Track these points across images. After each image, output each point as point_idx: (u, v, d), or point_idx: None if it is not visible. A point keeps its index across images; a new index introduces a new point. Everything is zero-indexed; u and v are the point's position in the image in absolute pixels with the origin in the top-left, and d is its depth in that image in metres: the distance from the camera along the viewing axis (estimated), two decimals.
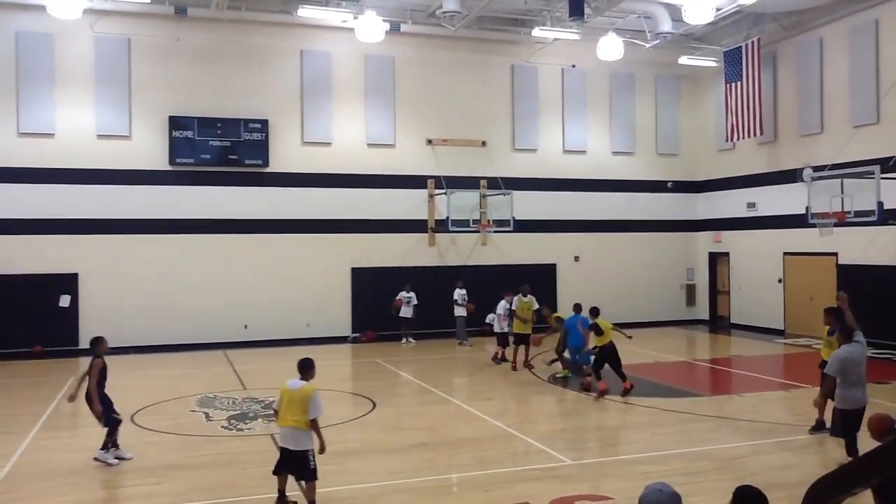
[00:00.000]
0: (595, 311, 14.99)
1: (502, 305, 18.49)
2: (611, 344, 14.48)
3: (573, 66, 25.01)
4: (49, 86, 20.45)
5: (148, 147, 21.21)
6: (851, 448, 9.49)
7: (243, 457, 10.55)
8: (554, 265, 24.93)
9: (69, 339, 20.32)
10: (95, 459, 10.11)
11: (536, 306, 17.91)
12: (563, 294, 24.32)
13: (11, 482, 9.49)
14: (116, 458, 10.23)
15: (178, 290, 21.26)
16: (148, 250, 21.11)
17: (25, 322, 19.79)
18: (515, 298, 17.96)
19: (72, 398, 10.42)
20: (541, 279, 24.03)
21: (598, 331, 14.55)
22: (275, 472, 8.38)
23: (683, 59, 24.50)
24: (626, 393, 14.01)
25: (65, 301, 20.38)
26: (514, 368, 17.36)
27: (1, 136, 20.12)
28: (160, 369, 18.37)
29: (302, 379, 8.37)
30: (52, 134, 20.51)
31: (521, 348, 17.58)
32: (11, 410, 13.78)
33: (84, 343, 20.39)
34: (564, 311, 24.28)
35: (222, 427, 12.28)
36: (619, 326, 15.56)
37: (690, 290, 26.71)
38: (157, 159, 21.24)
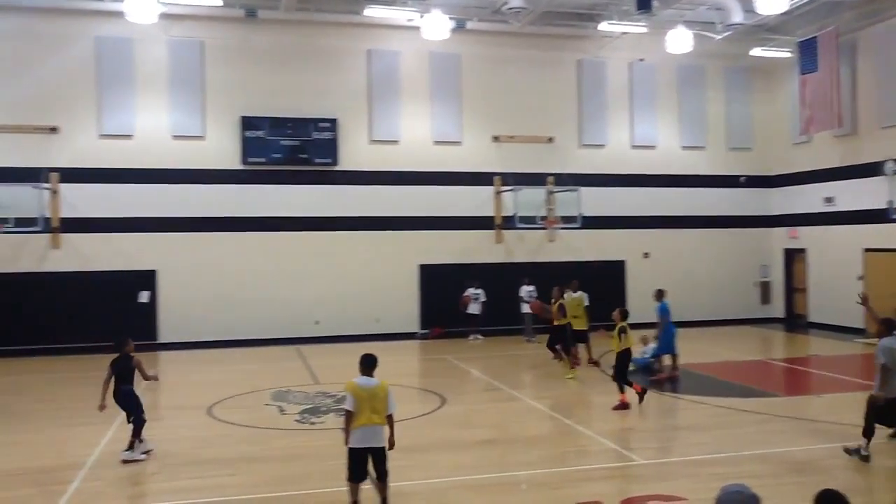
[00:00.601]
0: (626, 314, 13.88)
1: None
2: (629, 351, 13.59)
3: (641, 60, 24.64)
4: (128, 89, 21.20)
5: (221, 147, 21.79)
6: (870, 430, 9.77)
7: (316, 451, 10.74)
8: (623, 262, 24.63)
9: (149, 334, 21.03)
10: (124, 461, 10.14)
11: (587, 304, 17.62)
12: (633, 291, 24.01)
13: (97, 470, 9.90)
14: (143, 452, 10.39)
15: (251, 287, 21.79)
16: (222, 247, 21.70)
17: (107, 317, 20.53)
18: (565, 295, 17.74)
19: (101, 408, 10.42)
20: (609, 276, 23.85)
21: (623, 334, 13.38)
22: (357, 480, 8.00)
23: (756, 51, 23.87)
24: (621, 407, 12.99)
25: (144, 297, 21.12)
26: (576, 365, 17.22)
27: (84, 138, 20.97)
28: (235, 363, 18.87)
29: (371, 375, 8.20)
30: (131, 135, 21.26)
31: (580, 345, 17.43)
32: (95, 402, 14.33)
33: (163, 338, 21.21)
34: (634, 307, 24.06)
35: (295, 420, 12.55)
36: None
37: (765, 288, 26.03)
38: (230, 159, 21.80)
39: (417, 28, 21.10)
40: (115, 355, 10.67)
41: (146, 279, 21.20)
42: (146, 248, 21.21)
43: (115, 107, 21.13)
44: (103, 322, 20.48)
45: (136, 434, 10.36)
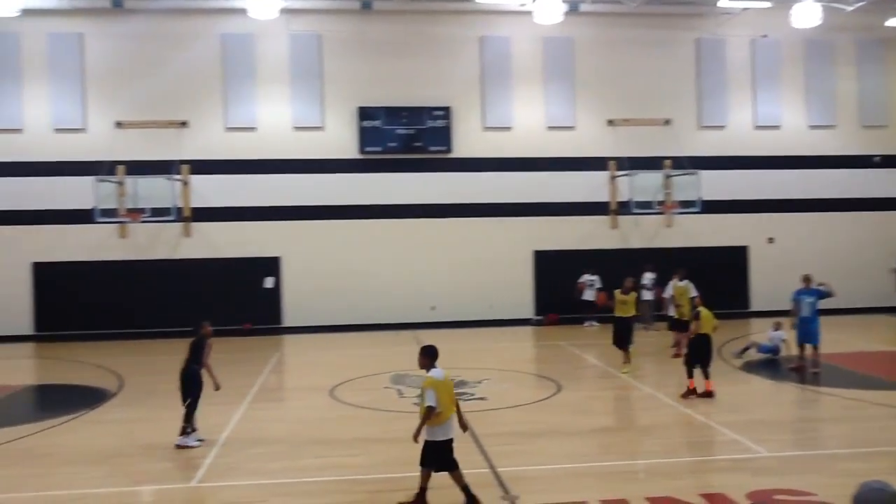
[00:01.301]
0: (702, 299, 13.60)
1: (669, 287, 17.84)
2: (707, 336, 12.97)
3: (764, 36, 23.59)
4: (251, 83, 22.12)
5: (339, 137, 22.41)
6: None
7: None
8: (745, 248, 23.75)
9: (273, 318, 21.99)
10: (177, 446, 10.33)
11: (694, 293, 16.44)
12: (756, 278, 23.16)
13: (230, 447, 10.46)
14: (197, 440, 10.50)
15: (369, 273, 22.36)
16: (341, 235, 22.36)
17: (235, 302, 21.58)
18: (671, 283, 17.31)
19: (217, 387, 10.72)
20: (731, 263, 23.08)
21: (697, 319, 13.06)
22: (452, 468, 7.83)
23: (892, 21, 22.38)
24: (687, 395, 12.65)
25: (269, 282, 22.06)
26: (677, 355, 16.72)
27: (211, 132, 22.04)
28: (355, 347, 19.45)
29: (436, 366, 7.99)
30: (255, 128, 22.18)
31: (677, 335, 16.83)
32: (226, 383, 15.05)
33: (287, 322, 22.06)
34: (757, 295, 23.21)
35: (414, 403, 12.77)
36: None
37: None
38: (348, 148, 22.40)
39: (530, 13, 20.98)
40: (194, 338, 10.91)
41: (271, 265, 22.12)
42: (270, 236, 22.12)
43: (240, 100, 22.09)
44: (231, 307, 21.56)
45: (188, 420, 10.53)
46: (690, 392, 12.75)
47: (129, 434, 11.28)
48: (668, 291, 17.53)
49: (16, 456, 10.31)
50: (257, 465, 9.70)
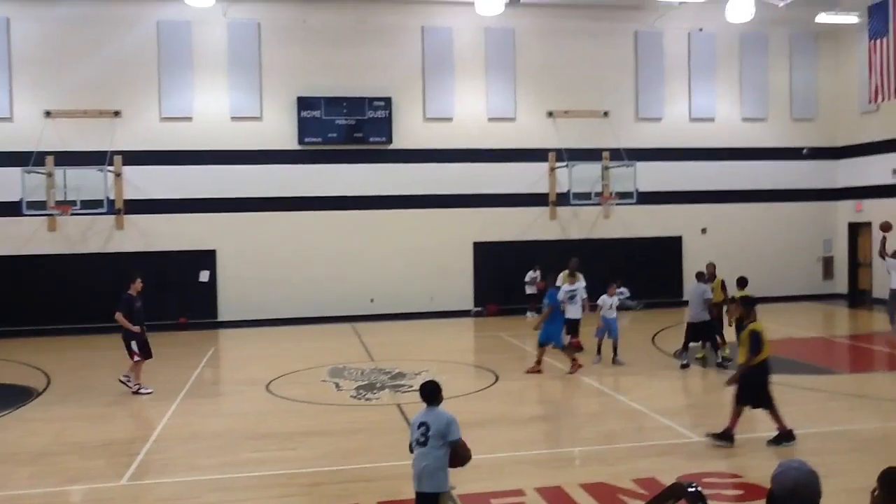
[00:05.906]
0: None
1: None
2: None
3: (700, 29, 24.06)
4: (187, 71, 21.60)
5: (278, 127, 22.06)
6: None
7: (373, 426, 10.92)
8: (680, 238, 24.24)
9: (209, 312, 21.58)
10: None
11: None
12: (689, 268, 23.58)
13: (162, 444, 10.25)
14: None
15: (307, 266, 22.11)
16: (279, 227, 22.04)
17: (171, 296, 21.09)
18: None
19: None
20: (666, 253, 23.55)
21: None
22: None
23: (822, 17, 22.94)
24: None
25: (204, 276, 21.62)
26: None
27: (145, 121, 21.47)
28: (292, 341, 19.23)
29: None
30: (191, 118, 21.69)
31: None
32: (160, 377, 14.78)
33: (223, 316, 21.67)
34: (690, 284, 23.72)
35: (351, 396, 12.75)
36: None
37: (828, 263, 25.32)
38: (287, 139, 22.07)
39: (472, 3, 20.91)
40: None
41: (206, 259, 21.69)
42: (206, 228, 21.67)
43: (176, 90, 21.56)
44: (167, 301, 21.06)
45: None
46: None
47: (57, 432, 10.94)
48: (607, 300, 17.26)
49: None
50: (192, 460, 9.53)
